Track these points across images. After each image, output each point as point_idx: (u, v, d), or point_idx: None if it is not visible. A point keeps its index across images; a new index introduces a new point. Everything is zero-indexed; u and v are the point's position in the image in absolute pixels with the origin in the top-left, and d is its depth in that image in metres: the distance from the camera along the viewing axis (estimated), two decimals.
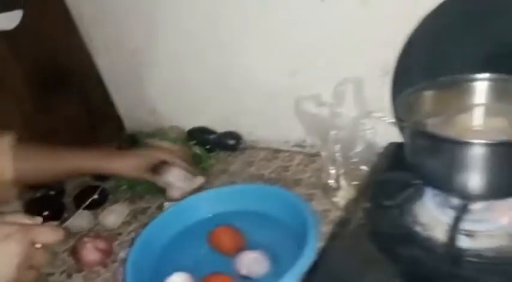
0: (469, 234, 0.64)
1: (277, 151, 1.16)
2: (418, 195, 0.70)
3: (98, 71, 1.35)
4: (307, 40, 0.99)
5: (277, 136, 1.17)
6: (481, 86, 0.68)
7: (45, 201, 1.06)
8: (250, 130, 1.20)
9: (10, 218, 0.54)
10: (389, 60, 0.87)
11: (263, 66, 1.08)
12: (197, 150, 1.16)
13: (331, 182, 0.94)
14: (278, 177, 1.04)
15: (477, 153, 0.58)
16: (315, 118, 0.95)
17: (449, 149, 0.60)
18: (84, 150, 0.90)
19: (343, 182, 0.91)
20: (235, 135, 1.20)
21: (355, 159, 0.90)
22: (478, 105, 0.68)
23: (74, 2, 1.26)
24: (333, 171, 0.92)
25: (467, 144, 0.58)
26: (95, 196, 1.04)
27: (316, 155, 1.04)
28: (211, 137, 1.21)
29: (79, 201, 1.03)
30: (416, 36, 0.84)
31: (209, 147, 1.18)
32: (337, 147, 0.91)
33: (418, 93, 0.67)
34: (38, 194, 1.08)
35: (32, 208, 0.99)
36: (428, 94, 0.67)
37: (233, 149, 1.19)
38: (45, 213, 1.00)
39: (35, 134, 1.15)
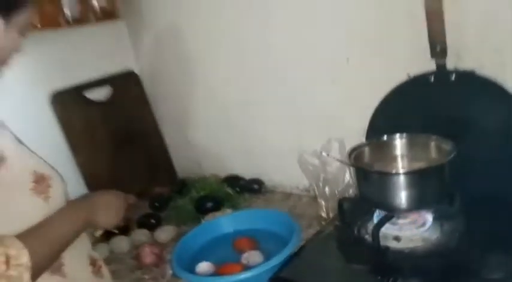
0: (397, 238, 0.94)
1: (289, 194, 1.51)
2: (370, 214, 1.01)
3: (161, 134, 1.80)
4: (308, 111, 1.38)
5: (289, 182, 1.52)
6: (402, 142, 1.02)
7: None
8: (270, 178, 1.56)
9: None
10: (362, 125, 1.22)
11: (277, 130, 1.47)
12: (230, 191, 1.52)
13: (322, 212, 1.27)
14: (290, 213, 1.37)
15: (397, 179, 0.91)
16: (311, 166, 1.29)
17: (379, 178, 0.94)
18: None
19: (330, 212, 1.24)
20: (258, 182, 1.56)
21: (338, 195, 1.22)
22: (401, 155, 1.01)
23: (148, 84, 1.76)
24: (323, 203, 1.26)
25: (390, 174, 0.92)
26: (152, 221, 1.42)
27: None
28: (241, 182, 1.58)
29: (140, 223, 1.41)
30: (380, 109, 1.19)
31: (239, 189, 1.54)
32: (326, 187, 1.25)
33: (361, 148, 1.03)
34: None
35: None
36: (367, 149, 1.03)
37: (257, 191, 1.54)
38: (116, 231, 1.38)
39: (112, 175, 1.58)
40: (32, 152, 0.84)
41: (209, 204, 1.42)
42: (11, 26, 0.75)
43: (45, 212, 0.76)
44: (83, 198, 0.89)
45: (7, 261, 0.63)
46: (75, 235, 0.79)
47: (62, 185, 0.84)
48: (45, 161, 0.84)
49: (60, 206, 0.80)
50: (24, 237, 0.68)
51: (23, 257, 0.65)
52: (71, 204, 0.84)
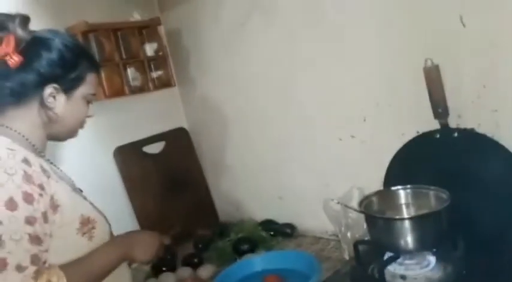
0: (403, 277, 1.07)
1: (319, 238, 1.65)
2: (380, 255, 1.15)
3: (206, 181, 2.03)
4: (333, 163, 1.55)
5: (319, 228, 1.66)
6: (406, 192, 1.17)
7: (167, 260, 1.63)
8: (301, 223, 1.72)
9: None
10: (380, 175, 1.38)
11: (307, 179, 1.65)
12: (264, 234, 1.69)
13: (346, 255, 1.41)
14: (317, 255, 1.51)
15: (400, 224, 1.06)
16: (335, 213, 1.45)
17: (384, 224, 1.08)
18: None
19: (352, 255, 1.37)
20: (290, 226, 1.72)
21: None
22: (406, 203, 1.16)
23: (196, 138, 2.02)
24: (345, 247, 1.40)
25: (393, 219, 1.06)
26: (195, 260, 1.61)
27: None
28: (275, 226, 1.74)
29: (185, 261, 1.61)
30: (394, 161, 1.35)
31: (273, 233, 1.70)
32: (348, 232, 1.39)
33: (371, 197, 1.18)
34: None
35: (158, 264, 1.57)
36: (375, 198, 1.18)
37: (289, 235, 1.70)
38: (164, 268, 1.58)
39: (162, 217, 1.81)
40: (84, 198, 0.99)
41: (245, 246, 1.60)
42: (73, 98, 0.95)
43: (89, 248, 0.92)
44: (123, 236, 1.04)
45: None
46: (113, 267, 0.95)
47: (106, 226, 0.99)
48: (93, 206, 0.98)
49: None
50: (66, 267, 0.85)
51: None
52: (111, 241, 0.99)
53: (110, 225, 1.02)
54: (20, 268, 0.78)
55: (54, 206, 0.86)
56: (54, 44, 0.93)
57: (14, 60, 0.87)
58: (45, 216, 0.84)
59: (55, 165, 1.01)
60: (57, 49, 0.93)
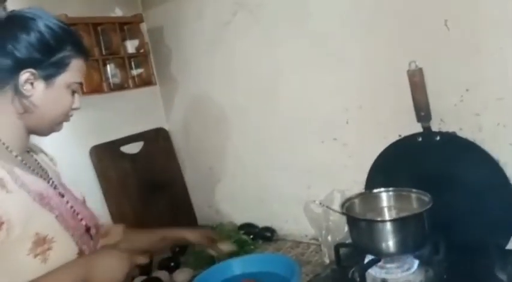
0: (383, 280, 1.05)
1: (299, 242, 1.63)
2: (361, 258, 1.13)
3: (185, 183, 1.99)
4: (315, 166, 1.54)
5: (299, 232, 1.64)
6: (388, 195, 1.16)
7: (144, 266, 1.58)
8: (281, 226, 1.69)
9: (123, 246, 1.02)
10: (362, 178, 1.37)
11: (287, 182, 1.62)
12: (244, 238, 1.65)
13: (326, 259, 1.39)
14: (297, 259, 1.48)
15: (382, 226, 1.04)
16: (316, 216, 1.42)
17: (366, 226, 1.07)
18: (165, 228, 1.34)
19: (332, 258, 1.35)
20: (271, 230, 1.69)
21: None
22: (388, 206, 1.15)
23: (176, 139, 1.98)
24: (326, 251, 1.37)
25: (375, 221, 1.05)
26: (172, 263, 1.56)
27: None
28: (255, 230, 1.71)
29: (161, 265, 1.56)
30: (376, 164, 1.34)
31: (253, 237, 1.67)
32: (329, 235, 1.37)
33: (353, 199, 1.17)
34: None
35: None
36: (357, 200, 1.17)
37: (269, 239, 1.67)
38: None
39: (138, 220, 1.75)
40: (51, 211, 0.85)
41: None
42: (54, 86, 0.86)
43: (42, 272, 0.79)
44: (86, 257, 0.88)
45: None
46: None
47: (70, 247, 0.86)
48: (60, 224, 0.85)
49: None
50: None
51: None
52: (70, 262, 0.84)
53: (76, 248, 0.88)
54: None
55: None
56: (34, 25, 0.84)
57: None
58: None
59: (36, 164, 0.93)
60: (38, 30, 0.83)
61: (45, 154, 1.05)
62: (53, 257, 0.82)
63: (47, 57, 0.85)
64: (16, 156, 0.87)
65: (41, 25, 0.85)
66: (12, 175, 0.82)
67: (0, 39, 0.82)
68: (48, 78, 0.85)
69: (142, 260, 0.94)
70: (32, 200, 0.83)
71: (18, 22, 0.84)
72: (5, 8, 0.85)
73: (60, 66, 0.86)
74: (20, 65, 0.83)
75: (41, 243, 0.81)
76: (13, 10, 0.86)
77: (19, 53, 0.83)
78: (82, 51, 0.91)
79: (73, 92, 0.90)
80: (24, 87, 0.84)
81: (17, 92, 0.84)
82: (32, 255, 0.80)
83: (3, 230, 0.76)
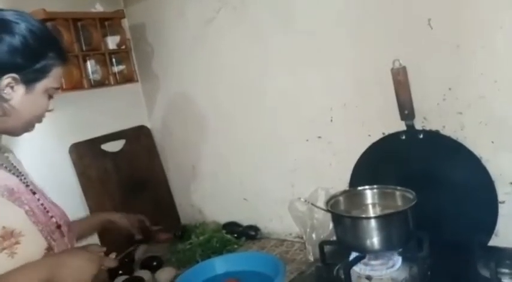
0: (368, 278, 1.06)
1: (283, 240, 1.62)
2: (346, 256, 1.13)
3: (168, 182, 1.96)
4: (299, 164, 1.53)
5: (283, 230, 1.64)
6: (373, 192, 1.16)
7: (124, 263, 1.54)
8: (265, 225, 1.68)
9: (93, 248, 0.97)
10: (345, 177, 1.37)
11: (271, 181, 1.62)
12: (228, 237, 1.64)
13: (310, 257, 1.38)
14: (281, 257, 1.48)
15: (366, 223, 1.04)
16: (300, 213, 1.42)
17: (351, 223, 1.07)
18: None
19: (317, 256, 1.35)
20: (255, 228, 1.68)
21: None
22: (373, 203, 1.15)
23: (158, 138, 1.95)
24: (310, 248, 1.37)
25: (359, 218, 1.05)
26: (154, 263, 1.54)
27: None
28: (239, 228, 1.70)
29: (143, 264, 1.53)
30: (360, 162, 1.35)
31: (236, 235, 1.66)
32: (313, 233, 1.37)
33: (337, 197, 1.17)
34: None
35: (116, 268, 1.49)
36: (341, 198, 1.17)
37: (253, 237, 1.66)
38: (121, 272, 1.50)
39: None
40: (21, 206, 0.85)
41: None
42: (34, 91, 0.86)
43: (9, 267, 0.78)
44: (53, 255, 0.87)
45: None
46: None
47: (39, 242, 0.85)
48: (29, 218, 0.85)
49: None
50: None
51: None
52: (38, 260, 0.83)
53: (45, 243, 0.87)
54: None
55: None
56: (18, 29, 0.83)
57: None
58: None
59: (7, 161, 0.92)
60: (21, 35, 0.83)
61: (14, 155, 1.03)
62: (20, 252, 0.81)
63: (30, 64, 0.85)
64: None
65: (24, 30, 0.84)
66: None
67: None
68: (29, 83, 0.86)
69: (112, 263, 0.95)
70: (0, 195, 0.83)
71: (2, 25, 0.83)
72: None
73: (43, 72, 0.87)
74: (2, 69, 0.83)
75: (8, 237, 0.80)
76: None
77: (2, 56, 0.82)
78: (63, 58, 0.91)
79: (49, 96, 0.91)
80: (5, 91, 0.84)
81: None
82: None
83: None
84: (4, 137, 0.97)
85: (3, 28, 0.83)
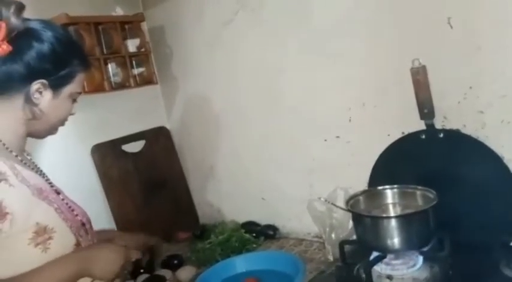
0: (389, 277, 1.06)
1: (301, 240, 1.63)
2: (366, 255, 1.13)
3: (186, 182, 1.98)
4: (318, 163, 1.54)
5: (302, 229, 1.64)
6: (393, 192, 1.16)
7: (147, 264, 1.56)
8: (284, 224, 1.69)
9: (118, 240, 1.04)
10: (364, 177, 1.37)
11: (290, 180, 1.62)
12: (247, 236, 1.65)
13: (330, 256, 1.39)
14: (300, 257, 1.48)
15: (387, 223, 1.04)
16: (319, 213, 1.43)
17: (371, 222, 1.07)
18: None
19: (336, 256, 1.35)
20: (273, 228, 1.69)
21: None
22: (393, 203, 1.15)
23: (177, 138, 1.98)
24: (329, 248, 1.38)
25: (380, 217, 1.05)
26: (175, 261, 1.56)
27: None
28: (257, 228, 1.71)
29: (164, 263, 1.56)
30: (379, 162, 1.35)
31: (255, 235, 1.67)
32: (332, 232, 1.37)
33: (357, 196, 1.17)
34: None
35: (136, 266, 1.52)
36: (361, 197, 1.17)
37: (271, 237, 1.67)
38: (142, 270, 1.52)
39: (140, 218, 1.75)
40: (50, 205, 0.88)
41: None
42: (60, 96, 0.92)
43: (43, 262, 0.83)
44: (83, 249, 0.92)
45: None
46: None
47: (69, 238, 0.89)
48: (59, 215, 0.89)
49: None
50: (11, 281, 0.79)
51: None
52: (68, 254, 0.88)
53: (75, 238, 0.91)
54: None
55: (2, 214, 0.79)
56: (46, 36, 0.88)
57: (2, 48, 0.83)
58: None
59: (31, 162, 0.96)
60: (50, 42, 0.88)
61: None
62: (53, 247, 0.85)
63: (57, 70, 0.90)
64: (16, 155, 0.91)
65: (52, 37, 0.89)
66: (14, 170, 0.86)
67: (17, 48, 0.85)
68: (56, 88, 0.91)
69: (136, 254, 1.00)
70: (31, 193, 0.87)
71: (33, 33, 0.88)
72: (24, 21, 0.87)
73: (68, 77, 0.92)
74: (33, 74, 0.87)
75: (42, 233, 0.84)
76: (29, 20, 0.89)
77: (33, 62, 0.87)
78: (87, 65, 0.97)
79: (73, 101, 0.97)
80: (35, 96, 0.89)
81: (28, 100, 0.88)
82: (33, 244, 0.83)
83: (7, 220, 0.80)
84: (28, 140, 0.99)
85: (32, 36, 0.87)
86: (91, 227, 1.02)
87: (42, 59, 0.87)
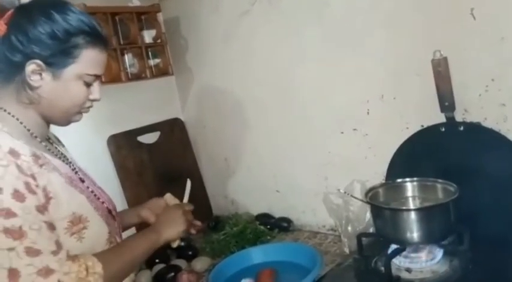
0: (408, 270, 1.05)
1: (316, 233, 1.62)
2: (385, 248, 1.13)
3: (200, 173, 1.99)
4: (334, 156, 1.53)
5: (316, 222, 1.64)
6: (413, 184, 1.15)
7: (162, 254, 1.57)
8: (298, 217, 1.69)
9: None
10: (383, 169, 1.36)
11: (305, 172, 1.62)
12: (262, 228, 1.65)
13: (346, 249, 1.38)
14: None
15: (407, 216, 1.04)
16: (335, 206, 1.42)
17: (391, 215, 1.06)
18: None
19: (352, 249, 1.35)
20: (287, 220, 1.69)
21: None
22: (413, 196, 1.14)
23: (191, 129, 1.98)
24: (346, 241, 1.37)
25: (400, 210, 1.04)
26: (190, 252, 1.57)
27: None
28: (271, 220, 1.71)
29: (179, 254, 1.57)
30: (397, 155, 1.34)
31: (269, 227, 1.67)
32: (349, 225, 1.37)
33: (376, 189, 1.16)
34: None
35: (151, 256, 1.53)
36: (381, 190, 1.16)
37: (286, 229, 1.67)
38: (157, 260, 1.53)
39: None
40: (82, 193, 0.89)
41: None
42: (62, 78, 0.83)
43: (78, 250, 0.82)
44: (152, 224, 1.06)
45: (86, 269, 0.78)
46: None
47: (101, 227, 0.90)
48: (90, 204, 0.89)
49: (99, 246, 0.88)
50: (100, 254, 0.83)
51: (97, 267, 0.79)
52: (144, 231, 1.01)
53: (107, 228, 0.92)
54: (53, 252, 0.75)
55: (47, 198, 0.79)
56: (35, 12, 0.81)
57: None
58: (44, 206, 0.79)
59: (56, 150, 0.95)
60: (38, 17, 0.80)
61: (61, 143, 1.06)
62: (87, 236, 0.85)
63: (51, 48, 0.81)
64: (40, 142, 0.89)
65: (41, 13, 0.81)
66: (45, 159, 0.84)
67: (10, 28, 0.81)
68: (55, 68, 0.82)
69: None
70: (64, 182, 0.86)
71: (26, 11, 0.82)
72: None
73: (68, 57, 0.82)
74: (27, 55, 0.81)
75: (77, 222, 0.84)
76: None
77: (20, 42, 0.80)
78: (96, 40, 0.85)
79: (86, 84, 0.87)
80: (32, 78, 0.82)
81: (24, 82, 0.82)
82: (69, 234, 0.82)
83: (52, 204, 0.80)
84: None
85: (21, 13, 0.81)
86: (117, 213, 1.03)
87: (31, 36, 0.80)
